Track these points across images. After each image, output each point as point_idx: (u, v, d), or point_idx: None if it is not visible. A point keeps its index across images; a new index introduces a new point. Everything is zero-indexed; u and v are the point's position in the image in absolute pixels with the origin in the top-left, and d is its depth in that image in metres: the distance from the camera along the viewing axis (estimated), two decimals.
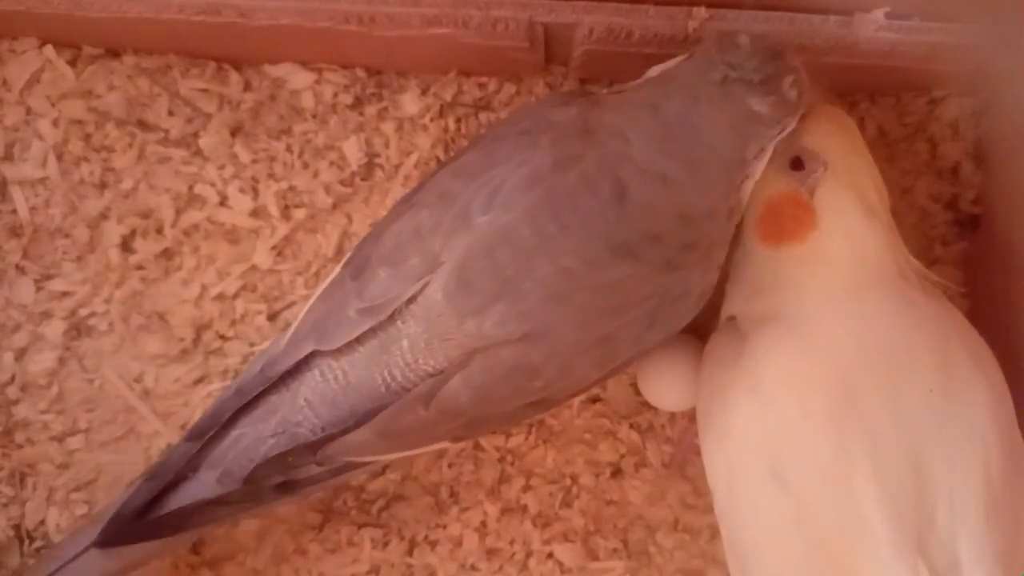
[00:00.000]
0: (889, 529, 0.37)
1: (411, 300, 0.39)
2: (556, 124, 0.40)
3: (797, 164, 0.42)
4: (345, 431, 0.40)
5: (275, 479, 0.41)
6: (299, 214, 0.50)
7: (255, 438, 0.41)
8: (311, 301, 0.43)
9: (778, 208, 0.42)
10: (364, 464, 0.43)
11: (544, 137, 0.40)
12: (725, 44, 0.39)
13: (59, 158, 0.50)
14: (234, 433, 0.41)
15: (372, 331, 0.40)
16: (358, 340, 0.40)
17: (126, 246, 0.50)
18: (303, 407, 0.41)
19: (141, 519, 0.41)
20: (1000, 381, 0.41)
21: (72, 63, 0.50)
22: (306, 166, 0.50)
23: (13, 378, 0.49)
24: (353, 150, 0.50)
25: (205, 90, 0.50)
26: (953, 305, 0.44)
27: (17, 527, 0.49)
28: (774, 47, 0.39)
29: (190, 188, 0.50)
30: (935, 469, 0.38)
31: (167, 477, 0.41)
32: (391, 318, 0.40)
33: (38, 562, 0.46)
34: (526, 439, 0.50)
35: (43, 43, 0.50)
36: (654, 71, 0.42)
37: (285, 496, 0.42)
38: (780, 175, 0.42)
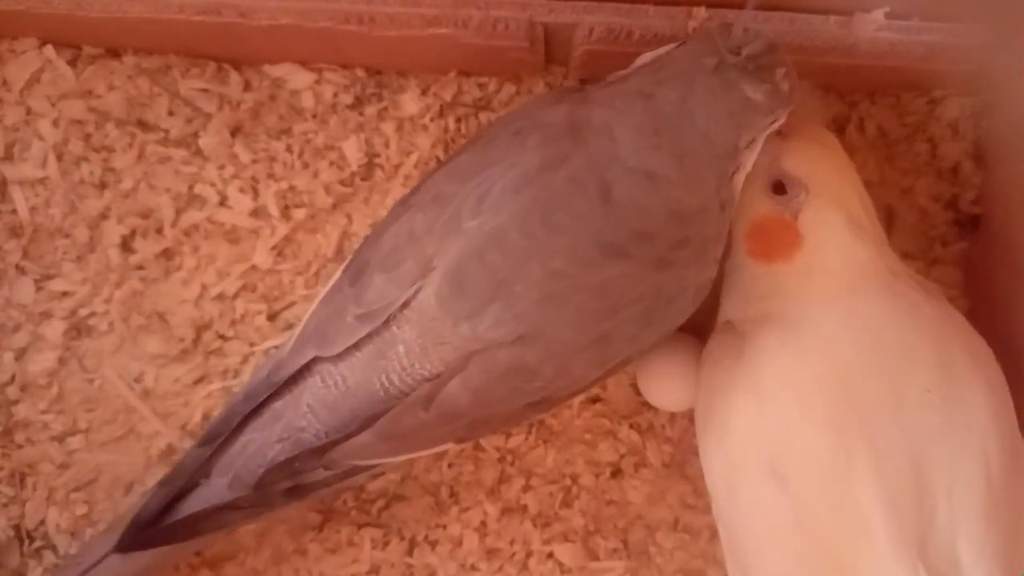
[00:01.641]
0: (889, 529, 0.37)
1: (405, 305, 0.39)
2: (545, 124, 0.40)
3: (779, 188, 0.42)
4: (348, 436, 0.40)
5: (284, 484, 0.41)
6: (299, 214, 0.50)
7: (262, 444, 0.41)
8: (314, 305, 0.43)
9: (764, 228, 0.43)
10: (371, 467, 0.43)
11: (532, 138, 0.39)
12: (721, 32, 0.39)
13: (59, 158, 0.50)
14: (242, 439, 0.41)
15: (369, 337, 0.40)
16: (356, 346, 0.40)
17: (126, 246, 0.50)
18: (306, 412, 0.41)
19: (157, 525, 0.42)
20: (1000, 380, 0.41)
21: (72, 63, 0.50)
22: (306, 166, 0.50)
23: (13, 378, 0.49)
24: (353, 150, 0.50)
25: (205, 90, 0.50)
26: (952, 306, 0.44)
27: (17, 527, 0.48)
28: (767, 38, 0.39)
29: (190, 188, 0.50)
30: (935, 469, 0.38)
31: (181, 482, 0.42)
32: (387, 323, 0.40)
33: (60, 568, 0.46)
34: (526, 439, 0.50)
35: (43, 43, 0.50)
36: (645, 58, 0.41)
37: (294, 500, 0.42)
38: (764, 198, 0.42)
